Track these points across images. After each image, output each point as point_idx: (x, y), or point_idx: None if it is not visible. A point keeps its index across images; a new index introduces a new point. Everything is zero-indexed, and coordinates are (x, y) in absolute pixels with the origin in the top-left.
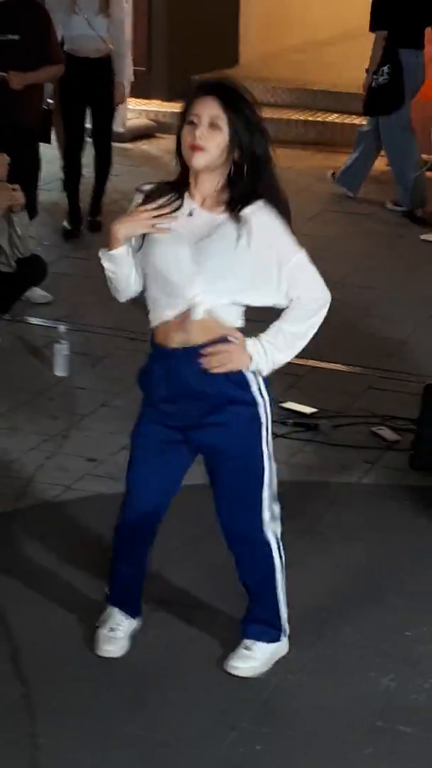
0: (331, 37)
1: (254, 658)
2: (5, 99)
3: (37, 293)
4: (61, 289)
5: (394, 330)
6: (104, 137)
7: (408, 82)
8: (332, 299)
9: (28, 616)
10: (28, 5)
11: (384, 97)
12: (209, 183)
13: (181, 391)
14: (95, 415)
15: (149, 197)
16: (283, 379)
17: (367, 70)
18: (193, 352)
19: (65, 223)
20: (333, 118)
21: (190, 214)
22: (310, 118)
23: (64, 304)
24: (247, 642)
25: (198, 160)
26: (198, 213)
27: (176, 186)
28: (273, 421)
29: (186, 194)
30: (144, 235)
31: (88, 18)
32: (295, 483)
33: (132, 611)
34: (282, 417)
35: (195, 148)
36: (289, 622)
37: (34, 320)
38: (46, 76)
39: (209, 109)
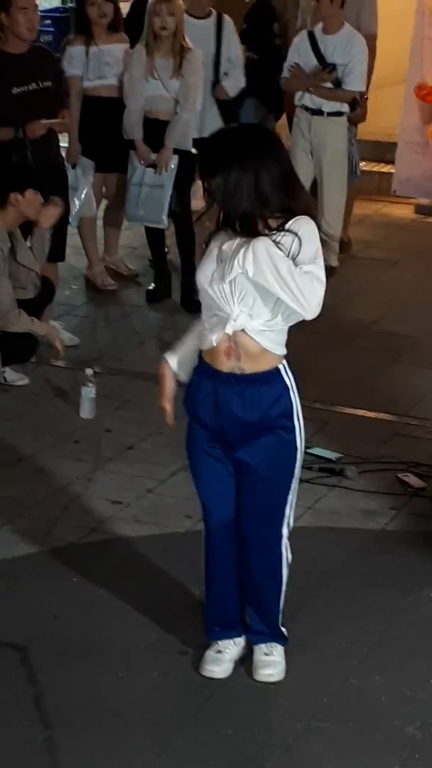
0: None
1: (278, 661)
2: (42, 142)
3: (65, 335)
4: (87, 332)
5: (423, 377)
6: (180, 206)
7: None
8: (360, 347)
9: (51, 659)
10: (45, 53)
11: None
12: None
13: (227, 415)
14: (121, 458)
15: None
16: (309, 425)
17: None
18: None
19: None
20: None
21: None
22: None
23: (90, 347)
24: (264, 648)
25: None
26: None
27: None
28: None
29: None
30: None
31: (163, 80)
32: (319, 528)
33: (233, 632)
34: (307, 462)
35: None
36: (314, 669)
37: (60, 363)
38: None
39: None
